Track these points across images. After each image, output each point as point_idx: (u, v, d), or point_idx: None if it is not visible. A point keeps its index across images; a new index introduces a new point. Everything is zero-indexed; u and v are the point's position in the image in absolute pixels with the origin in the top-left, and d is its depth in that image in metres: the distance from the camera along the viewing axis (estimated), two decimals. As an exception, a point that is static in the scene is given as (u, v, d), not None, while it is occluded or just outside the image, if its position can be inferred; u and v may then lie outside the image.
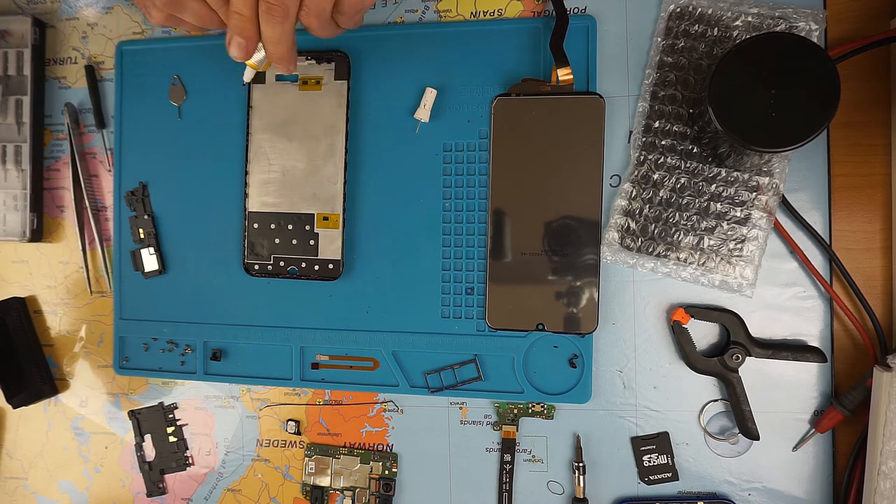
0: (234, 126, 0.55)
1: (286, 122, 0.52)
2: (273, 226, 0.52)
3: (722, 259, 0.48)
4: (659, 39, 0.49)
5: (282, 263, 0.52)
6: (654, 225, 0.49)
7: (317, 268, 0.52)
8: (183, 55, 0.56)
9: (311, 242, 0.52)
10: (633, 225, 0.49)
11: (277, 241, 0.52)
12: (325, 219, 0.51)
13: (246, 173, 0.53)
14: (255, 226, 0.53)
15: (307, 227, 0.52)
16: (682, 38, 0.49)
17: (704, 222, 0.48)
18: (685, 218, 0.48)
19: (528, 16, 0.52)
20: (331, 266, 0.52)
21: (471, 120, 0.52)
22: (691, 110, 0.48)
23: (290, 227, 0.52)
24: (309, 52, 0.52)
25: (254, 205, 0.53)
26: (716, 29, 0.48)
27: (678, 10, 0.49)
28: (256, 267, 0.53)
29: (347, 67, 0.51)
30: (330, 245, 0.51)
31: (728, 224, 0.48)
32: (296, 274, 0.52)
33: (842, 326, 0.48)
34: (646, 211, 0.49)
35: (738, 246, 0.48)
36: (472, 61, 0.52)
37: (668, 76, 0.49)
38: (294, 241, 0.52)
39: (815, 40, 0.46)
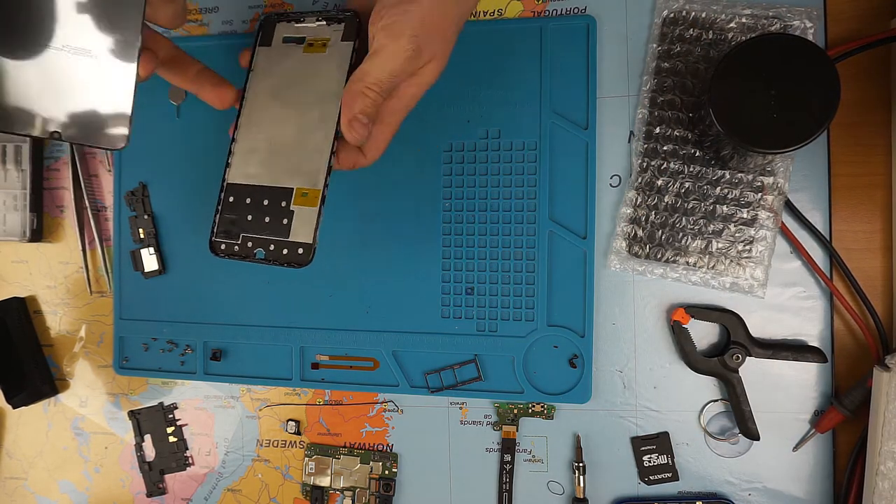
0: (234, 126, 0.54)
1: (283, 87, 0.47)
2: (248, 200, 0.46)
3: (731, 261, 0.48)
4: (654, 45, 0.49)
5: (249, 244, 0.46)
6: (660, 231, 0.49)
7: (285, 251, 0.45)
8: (183, 55, 0.56)
9: (284, 221, 0.45)
10: (639, 232, 0.49)
11: (250, 217, 0.46)
12: (304, 195, 0.45)
13: (232, 140, 0.47)
14: (231, 199, 0.46)
15: (283, 204, 0.45)
16: (678, 42, 0.48)
17: (711, 225, 0.48)
18: (692, 222, 0.48)
19: (528, 16, 0.52)
20: (300, 250, 0.44)
21: (471, 120, 0.52)
22: (691, 114, 0.48)
23: (265, 202, 0.46)
24: (320, 12, 0.47)
25: (234, 175, 0.47)
26: (710, 32, 0.48)
27: (672, 15, 0.48)
28: (223, 246, 0.46)
29: (357, 27, 0.46)
30: (303, 226, 0.45)
31: (735, 226, 0.48)
32: (263, 257, 0.45)
33: (843, 326, 0.48)
34: (652, 217, 0.49)
35: (748, 247, 0.48)
36: (472, 61, 0.52)
37: (665, 81, 0.49)
38: (267, 219, 0.46)
39: (810, 38, 0.46)
